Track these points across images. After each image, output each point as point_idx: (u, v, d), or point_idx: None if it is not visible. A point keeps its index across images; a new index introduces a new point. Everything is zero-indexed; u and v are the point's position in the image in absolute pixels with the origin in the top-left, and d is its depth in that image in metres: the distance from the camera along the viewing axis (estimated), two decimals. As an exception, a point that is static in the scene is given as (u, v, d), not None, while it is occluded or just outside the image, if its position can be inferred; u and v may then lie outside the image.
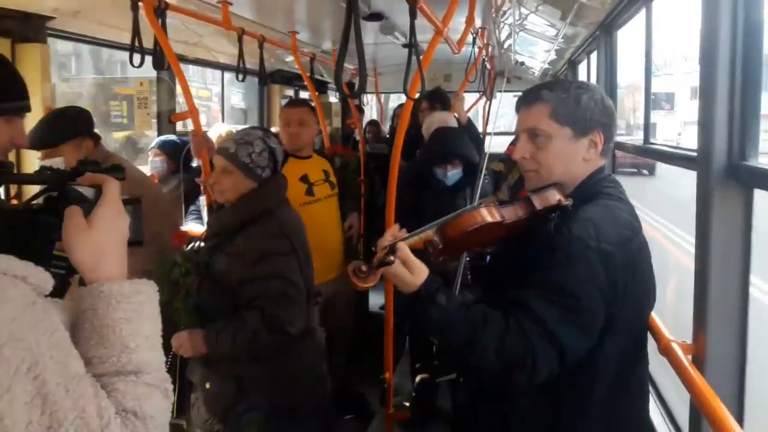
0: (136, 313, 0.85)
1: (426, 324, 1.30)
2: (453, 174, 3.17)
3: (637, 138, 3.09)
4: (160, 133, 3.74)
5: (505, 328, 1.24)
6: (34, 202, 0.96)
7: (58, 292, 0.87)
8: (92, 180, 0.92)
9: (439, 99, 4.22)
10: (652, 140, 2.49)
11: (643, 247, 1.38)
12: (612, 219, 1.34)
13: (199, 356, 2.10)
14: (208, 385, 2.17)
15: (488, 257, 1.79)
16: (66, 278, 0.92)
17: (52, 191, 0.95)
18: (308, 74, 4.31)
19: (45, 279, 0.78)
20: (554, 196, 1.41)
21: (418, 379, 3.14)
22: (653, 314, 1.51)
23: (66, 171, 0.96)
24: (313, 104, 3.44)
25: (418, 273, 1.29)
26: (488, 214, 1.37)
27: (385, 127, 7.53)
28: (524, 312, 1.25)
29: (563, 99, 1.41)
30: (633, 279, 1.31)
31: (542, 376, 1.25)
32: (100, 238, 0.86)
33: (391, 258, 1.27)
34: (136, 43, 2.52)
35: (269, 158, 2.18)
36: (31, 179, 1.05)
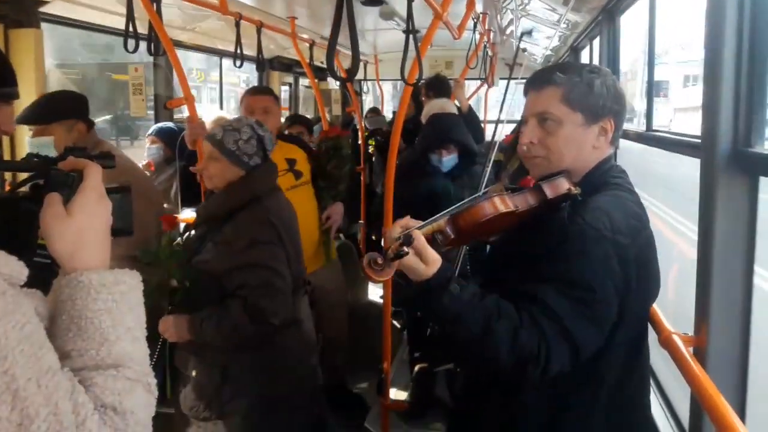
0: (116, 303, 0.81)
1: (438, 315, 1.24)
2: (448, 160, 3.13)
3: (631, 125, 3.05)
4: (157, 120, 3.70)
5: (519, 322, 1.20)
6: (20, 189, 0.93)
7: (42, 281, 0.83)
8: (74, 165, 0.88)
9: (432, 87, 4.13)
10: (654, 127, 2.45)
11: (651, 239, 1.35)
12: (623, 210, 1.30)
13: (186, 344, 2.11)
14: (194, 373, 2.18)
15: (488, 247, 1.75)
16: (52, 267, 0.89)
17: (38, 178, 0.92)
18: (307, 61, 4.26)
19: (18, 269, 0.74)
20: (564, 185, 1.37)
21: (416, 368, 3.12)
22: (654, 305, 1.47)
23: (51, 157, 0.93)
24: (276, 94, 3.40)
25: (433, 263, 1.22)
26: (502, 204, 1.33)
27: (387, 114, 7.49)
28: (537, 306, 1.21)
29: (576, 83, 1.36)
30: (642, 271, 1.28)
31: (555, 371, 1.21)
32: (79, 226, 0.82)
33: (406, 249, 1.21)
34: (131, 29, 2.48)
35: (257, 146, 2.15)
36: (18, 166, 1.02)
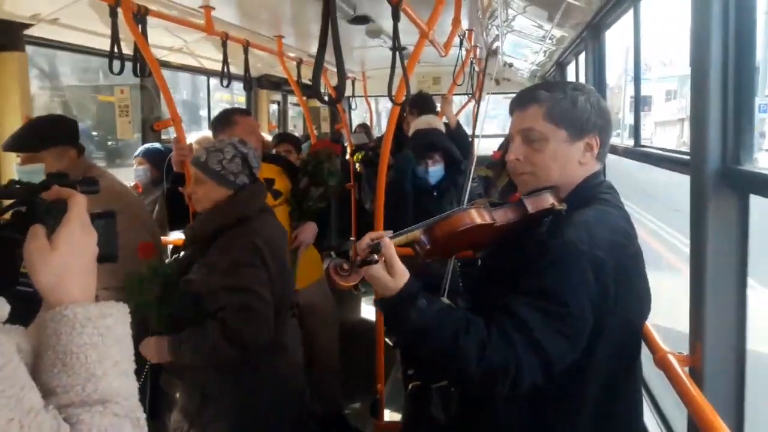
0: (102, 337, 0.78)
1: (404, 329, 1.23)
2: (434, 170, 3.13)
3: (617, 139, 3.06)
4: (144, 142, 3.68)
5: (487, 335, 1.20)
6: (2, 217, 0.91)
7: (25, 311, 0.82)
8: (58, 194, 0.86)
9: (416, 104, 4.08)
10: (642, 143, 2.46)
11: (638, 255, 1.34)
12: (606, 225, 1.30)
13: (170, 365, 2.09)
14: (177, 395, 2.17)
15: (479, 262, 1.74)
16: (35, 296, 0.86)
17: (20, 205, 0.89)
18: (295, 79, 4.27)
19: None
20: (548, 200, 1.37)
21: (409, 387, 3.09)
22: (648, 325, 1.46)
23: (34, 185, 0.91)
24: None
25: (400, 276, 1.22)
26: (478, 216, 1.33)
27: (375, 132, 7.49)
28: (510, 318, 1.21)
29: (559, 100, 1.38)
30: (625, 287, 1.27)
31: (526, 384, 1.20)
32: (64, 259, 0.80)
33: (375, 257, 1.22)
34: (116, 50, 2.47)
35: (242, 164, 2.13)
36: None
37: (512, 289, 1.27)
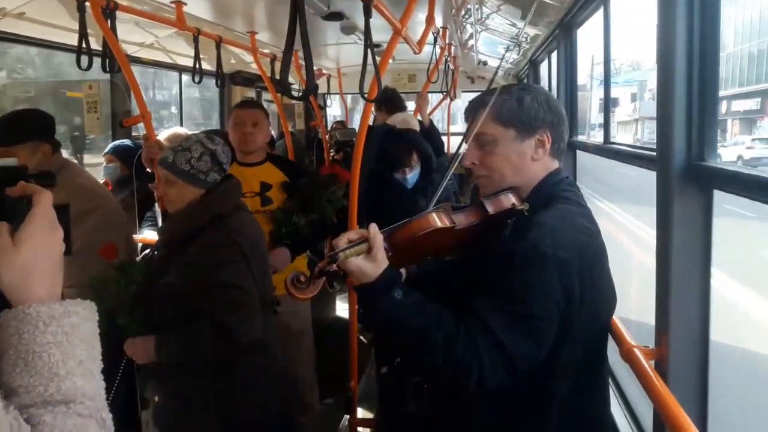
0: (67, 336, 0.76)
1: (377, 317, 1.28)
2: (411, 176, 3.14)
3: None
4: (114, 138, 3.62)
5: (454, 332, 1.22)
6: None
7: None
8: (23, 190, 0.83)
9: (384, 101, 4.04)
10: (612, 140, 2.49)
11: (600, 251, 1.36)
12: (569, 224, 1.31)
13: (149, 369, 2.06)
14: (156, 399, 2.13)
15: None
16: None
17: None
18: (269, 75, 4.23)
19: None
20: (508, 201, 1.38)
21: (383, 384, 3.09)
22: (616, 318, 1.48)
23: None
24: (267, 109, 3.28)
25: (378, 265, 1.25)
26: (437, 220, 1.33)
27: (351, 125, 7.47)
28: (475, 319, 1.23)
29: (505, 101, 1.40)
30: (590, 285, 1.28)
31: (490, 384, 1.22)
32: (28, 258, 0.78)
33: (333, 267, 1.25)
34: (84, 45, 2.42)
35: (211, 162, 2.09)
36: None
37: (477, 291, 1.29)
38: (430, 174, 3.22)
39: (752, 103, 25.63)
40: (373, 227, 1.27)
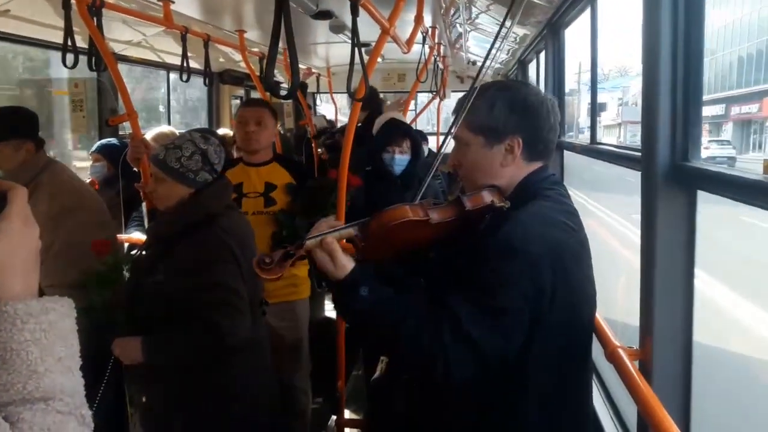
0: (45, 333, 0.76)
1: (346, 311, 1.34)
2: (401, 159, 3.11)
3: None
4: (101, 137, 3.59)
5: (422, 324, 1.25)
6: None
7: None
8: None
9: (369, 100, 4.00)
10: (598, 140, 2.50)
11: (578, 249, 1.35)
12: (543, 221, 1.31)
13: (136, 369, 2.04)
14: (144, 399, 2.12)
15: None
16: None
17: None
18: (257, 74, 4.22)
19: None
20: (486, 198, 1.38)
21: (371, 383, 3.08)
22: (600, 319, 1.48)
23: None
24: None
25: (341, 267, 1.29)
26: (410, 211, 1.32)
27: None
28: (444, 311, 1.25)
29: (477, 107, 1.41)
30: (564, 282, 1.28)
31: (458, 375, 1.25)
32: (4, 254, 0.77)
33: (299, 252, 1.29)
34: (70, 43, 2.41)
35: (202, 161, 2.07)
36: None
37: (450, 285, 1.31)
38: (417, 168, 3.21)
39: (718, 109, 27.81)
40: (327, 239, 1.29)
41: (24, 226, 0.80)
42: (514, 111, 1.39)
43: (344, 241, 1.33)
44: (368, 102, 3.98)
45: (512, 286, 1.23)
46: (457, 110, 1.45)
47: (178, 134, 3.11)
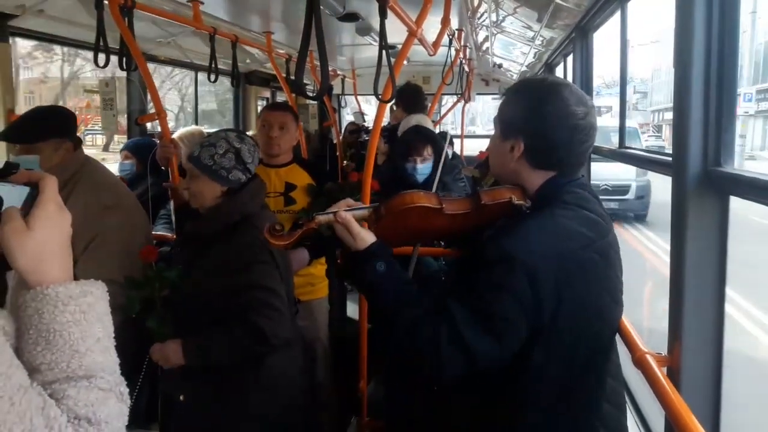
0: (84, 315, 0.81)
1: (356, 279, 1.36)
2: (423, 167, 3.10)
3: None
4: (129, 135, 3.65)
5: (422, 316, 1.27)
6: None
7: None
8: (28, 178, 0.85)
9: (403, 98, 3.96)
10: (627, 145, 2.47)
11: (596, 257, 1.31)
12: (551, 230, 1.28)
13: (174, 368, 2.05)
14: (182, 398, 2.12)
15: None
16: None
17: None
18: (284, 75, 4.25)
19: None
20: (504, 194, 1.36)
21: (392, 386, 3.08)
22: (627, 324, 1.46)
23: None
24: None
25: (360, 239, 1.33)
26: (424, 197, 1.33)
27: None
28: (444, 310, 1.27)
29: (508, 100, 1.44)
30: (572, 293, 1.25)
31: (447, 373, 1.26)
32: (42, 239, 0.81)
33: (310, 225, 1.33)
34: (101, 43, 2.45)
35: (235, 159, 2.09)
36: None
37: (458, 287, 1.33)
38: (440, 174, 3.20)
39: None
40: (341, 213, 1.33)
41: (58, 213, 0.84)
42: (527, 114, 1.36)
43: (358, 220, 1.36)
44: (407, 103, 3.96)
45: (507, 293, 1.23)
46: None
47: (206, 134, 3.15)
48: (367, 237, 1.33)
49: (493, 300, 1.23)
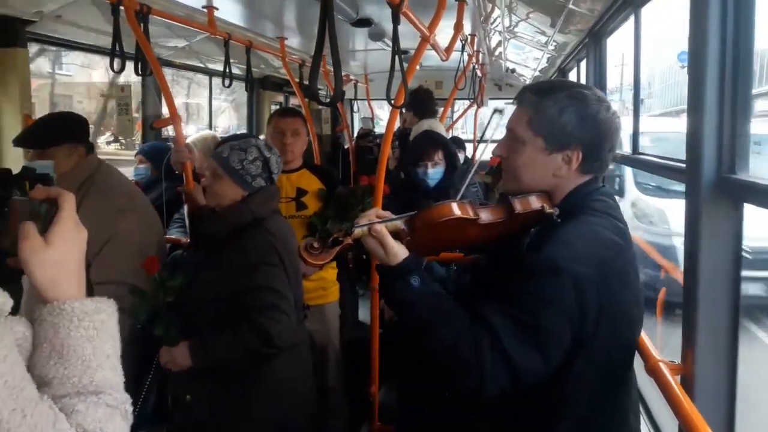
0: (97, 331, 0.82)
1: (390, 296, 1.32)
2: (434, 172, 3.09)
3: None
4: (144, 140, 3.68)
5: (463, 332, 1.22)
6: None
7: None
8: (46, 194, 0.86)
9: (414, 103, 3.95)
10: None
11: (627, 267, 1.31)
12: (590, 238, 1.27)
13: (181, 370, 2.06)
14: (188, 398, 2.13)
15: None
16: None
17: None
18: (297, 80, 4.27)
19: (2, 300, 0.75)
20: (536, 202, 1.34)
21: (404, 391, 3.07)
22: (641, 332, 1.45)
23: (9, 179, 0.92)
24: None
25: (393, 254, 1.28)
26: (459, 208, 1.30)
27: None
28: (486, 324, 1.22)
29: (546, 107, 1.32)
30: (610, 301, 1.24)
31: (490, 389, 1.21)
32: (60, 256, 0.82)
33: (347, 240, 1.28)
34: (117, 48, 2.48)
35: (262, 167, 2.12)
36: None
37: (491, 296, 1.28)
38: (453, 178, 3.19)
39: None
40: (376, 227, 1.28)
41: (76, 230, 0.86)
42: (583, 122, 1.31)
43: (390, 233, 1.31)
44: (418, 108, 3.97)
45: (555, 306, 1.20)
46: (519, 98, 1.39)
47: (220, 139, 3.18)
48: (400, 251, 1.28)
49: (541, 314, 1.20)
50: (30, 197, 0.87)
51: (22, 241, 0.81)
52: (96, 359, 0.81)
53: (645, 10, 2.38)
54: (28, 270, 0.81)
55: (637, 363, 1.43)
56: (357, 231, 1.27)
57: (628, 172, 5.82)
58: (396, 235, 1.31)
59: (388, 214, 1.34)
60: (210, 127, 5.02)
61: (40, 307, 0.81)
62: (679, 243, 4.85)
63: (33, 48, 3.15)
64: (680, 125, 5.16)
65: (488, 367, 1.19)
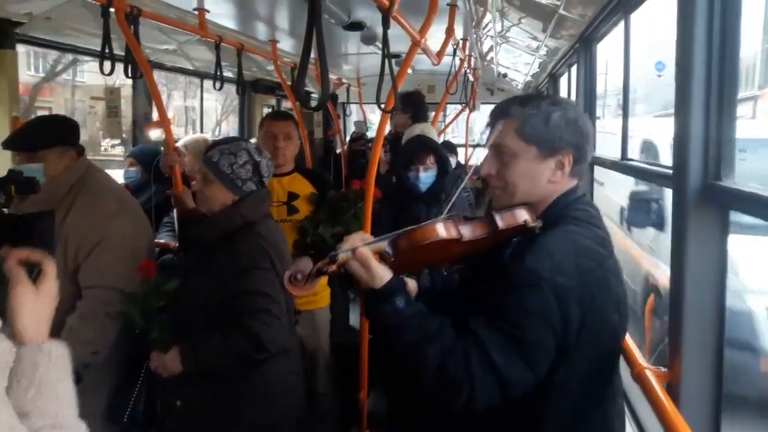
0: (65, 371, 0.97)
1: (376, 321, 1.30)
2: (426, 176, 3.08)
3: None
4: (134, 143, 3.66)
5: (450, 348, 1.22)
6: None
7: None
8: (28, 258, 1.01)
9: (408, 105, 3.94)
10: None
11: (609, 276, 1.30)
12: (572, 248, 1.27)
13: (170, 376, 2.05)
14: (178, 403, 2.12)
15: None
16: None
17: None
18: (289, 84, 4.26)
19: None
20: (520, 217, 1.34)
21: (392, 398, 3.07)
22: (628, 339, 1.45)
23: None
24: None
25: (378, 277, 1.27)
26: (444, 230, 1.30)
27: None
28: (472, 337, 1.22)
29: (532, 116, 1.33)
30: (592, 310, 1.24)
31: (481, 403, 1.22)
32: (45, 306, 0.99)
33: (332, 268, 1.28)
34: (107, 51, 2.46)
35: (252, 171, 2.11)
36: None
37: (476, 310, 1.28)
38: (445, 182, 3.19)
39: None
40: (360, 250, 1.27)
41: (54, 287, 1.03)
42: (569, 126, 1.34)
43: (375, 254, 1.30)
44: (412, 109, 3.96)
45: (539, 316, 1.20)
46: (497, 116, 1.40)
47: (210, 141, 3.16)
48: (384, 274, 1.27)
49: (526, 326, 1.20)
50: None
51: (16, 285, 0.96)
52: (66, 396, 0.94)
53: (634, 16, 2.39)
54: (16, 311, 0.95)
55: (623, 369, 1.44)
56: (342, 256, 1.27)
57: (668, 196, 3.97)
58: (380, 256, 1.31)
59: (370, 237, 1.34)
60: (201, 129, 5.00)
61: (21, 347, 0.93)
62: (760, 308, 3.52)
63: (52, 54, 3.17)
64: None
65: (478, 380, 1.19)
